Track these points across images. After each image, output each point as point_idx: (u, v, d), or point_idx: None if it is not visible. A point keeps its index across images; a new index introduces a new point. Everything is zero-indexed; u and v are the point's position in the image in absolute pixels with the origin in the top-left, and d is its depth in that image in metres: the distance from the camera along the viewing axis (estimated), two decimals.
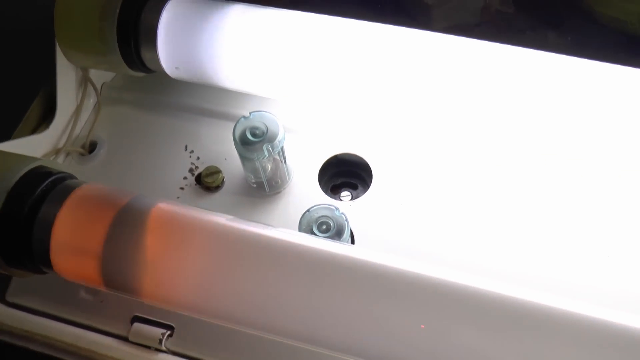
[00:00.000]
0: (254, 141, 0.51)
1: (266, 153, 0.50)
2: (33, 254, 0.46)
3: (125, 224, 0.44)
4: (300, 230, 0.51)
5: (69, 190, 0.46)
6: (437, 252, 0.54)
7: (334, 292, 0.42)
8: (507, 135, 0.54)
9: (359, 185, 0.60)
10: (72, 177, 0.49)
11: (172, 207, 0.46)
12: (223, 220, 0.46)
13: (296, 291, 0.43)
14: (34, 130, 0.62)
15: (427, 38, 0.54)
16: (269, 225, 0.46)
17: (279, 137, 0.51)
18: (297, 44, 0.55)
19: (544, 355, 0.38)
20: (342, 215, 0.51)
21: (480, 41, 0.54)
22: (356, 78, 0.54)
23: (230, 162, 0.59)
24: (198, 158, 0.60)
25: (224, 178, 0.58)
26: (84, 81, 0.63)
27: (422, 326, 0.41)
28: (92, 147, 0.62)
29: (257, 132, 0.51)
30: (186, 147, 0.61)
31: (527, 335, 0.39)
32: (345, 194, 0.60)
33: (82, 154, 0.61)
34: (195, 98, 0.63)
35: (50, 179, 0.47)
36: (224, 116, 0.62)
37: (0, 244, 0.46)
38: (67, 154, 0.61)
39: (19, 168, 0.46)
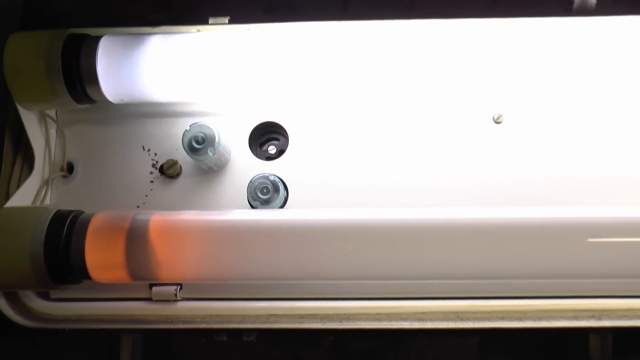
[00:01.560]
0: (199, 148, 0.69)
1: (210, 154, 0.69)
2: (74, 274, 0.66)
3: (136, 238, 0.64)
4: (248, 195, 0.72)
5: (85, 225, 0.65)
6: (349, 185, 0.75)
7: (279, 245, 0.64)
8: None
9: (280, 139, 0.80)
10: (81, 212, 0.67)
11: (161, 216, 0.65)
12: (195, 215, 0.66)
13: (257, 250, 0.64)
14: (13, 164, 0.79)
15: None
16: (228, 210, 0.67)
17: (217, 140, 0.69)
18: (207, 56, 0.72)
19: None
20: (276, 178, 0.72)
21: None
22: (249, 75, 0.72)
23: (181, 151, 0.75)
24: (155, 154, 0.78)
25: (181, 167, 0.77)
26: (43, 116, 0.78)
27: (350, 247, 0.64)
28: (70, 168, 0.79)
29: (199, 139, 0.70)
30: (143, 147, 0.79)
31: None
32: (272, 148, 0.80)
33: (64, 176, 0.78)
34: (139, 104, 0.78)
35: (68, 220, 0.65)
36: (166, 114, 0.78)
37: (48, 273, 0.65)
38: (53, 180, 0.78)
39: (44, 218, 0.65)
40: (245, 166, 0.76)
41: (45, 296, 0.76)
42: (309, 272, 0.65)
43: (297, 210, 0.67)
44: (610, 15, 0.79)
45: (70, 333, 0.76)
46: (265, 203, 0.71)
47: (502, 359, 0.79)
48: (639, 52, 0.70)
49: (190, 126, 0.70)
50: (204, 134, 0.70)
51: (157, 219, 0.65)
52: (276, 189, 0.71)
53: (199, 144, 0.69)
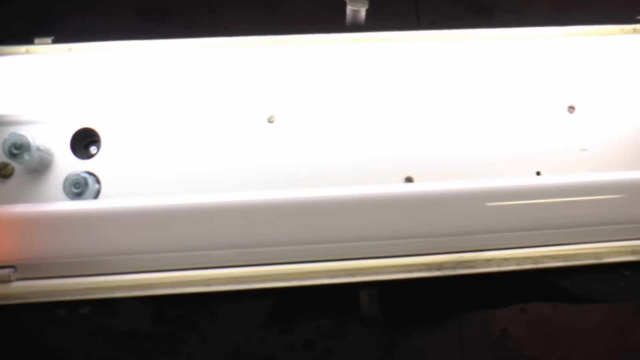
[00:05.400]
0: (17, 153, 0.84)
1: (27, 157, 0.84)
2: None
3: None
4: (64, 190, 0.87)
5: None
6: (152, 177, 0.91)
7: (89, 228, 0.80)
8: None
9: (98, 141, 0.95)
10: None
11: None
12: (23, 208, 0.81)
13: (71, 233, 0.80)
14: None
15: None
16: (49, 202, 0.82)
17: (32, 146, 0.84)
18: (31, 75, 0.86)
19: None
20: (85, 174, 0.87)
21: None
22: (69, 88, 0.87)
23: None
24: None
25: (13, 167, 0.91)
26: None
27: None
28: None
29: (17, 146, 0.84)
30: None
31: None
32: (93, 148, 0.95)
33: None
34: None
35: None
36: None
37: None
38: None
39: None
40: (66, 165, 0.91)
41: None
42: (110, 248, 0.81)
43: (103, 200, 0.83)
44: (377, 31, 0.98)
45: None
46: (79, 195, 0.86)
47: (294, 313, 0.97)
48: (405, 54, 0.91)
49: (9, 135, 0.84)
50: (21, 141, 0.84)
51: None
52: (87, 184, 0.87)
53: (17, 149, 0.84)
